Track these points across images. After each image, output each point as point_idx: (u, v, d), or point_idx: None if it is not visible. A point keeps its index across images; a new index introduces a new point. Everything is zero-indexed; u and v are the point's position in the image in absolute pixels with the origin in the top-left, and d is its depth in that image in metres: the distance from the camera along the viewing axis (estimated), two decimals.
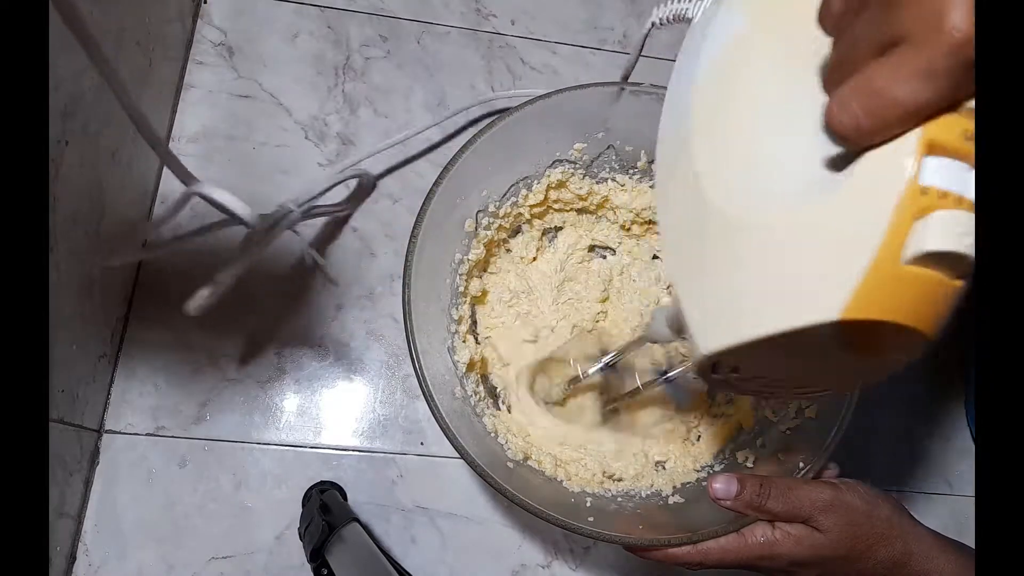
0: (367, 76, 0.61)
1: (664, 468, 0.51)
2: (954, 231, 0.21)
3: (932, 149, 0.21)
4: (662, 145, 0.32)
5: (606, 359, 0.47)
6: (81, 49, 0.27)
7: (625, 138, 0.51)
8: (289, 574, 0.51)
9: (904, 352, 0.25)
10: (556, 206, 0.54)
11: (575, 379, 0.49)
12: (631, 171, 0.53)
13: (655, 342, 0.39)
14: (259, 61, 0.59)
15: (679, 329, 0.36)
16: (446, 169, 0.45)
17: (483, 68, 0.62)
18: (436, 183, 0.44)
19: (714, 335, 0.26)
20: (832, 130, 0.23)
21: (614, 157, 0.52)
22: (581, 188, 0.53)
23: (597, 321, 0.56)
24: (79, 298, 0.44)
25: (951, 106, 0.21)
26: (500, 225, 0.52)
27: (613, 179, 0.53)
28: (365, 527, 0.48)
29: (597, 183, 0.53)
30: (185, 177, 0.31)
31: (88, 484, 0.50)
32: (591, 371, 0.47)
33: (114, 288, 0.50)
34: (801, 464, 0.42)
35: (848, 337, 0.23)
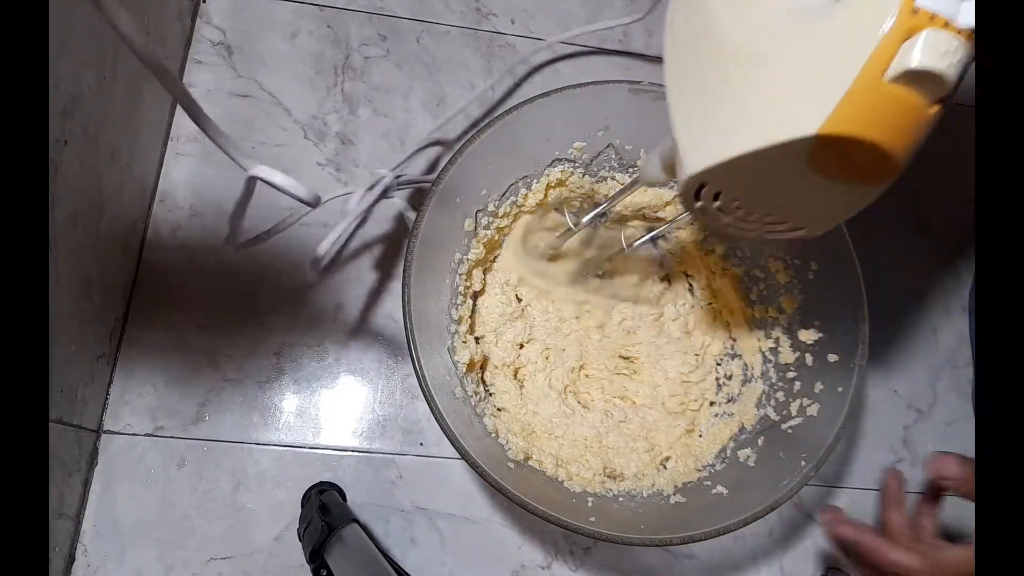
0: (367, 75, 0.60)
1: (666, 467, 0.51)
2: (938, 51, 0.21)
3: None
4: None
5: (599, 208, 0.47)
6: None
7: (625, 137, 0.51)
8: (288, 575, 0.50)
9: (874, 178, 0.26)
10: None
11: (568, 231, 0.49)
12: (631, 170, 0.53)
13: (648, 184, 0.39)
14: (258, 60, 0.59)
15: (671, 169, 0.36)
16: (446, 168, 0.45)
17: (483, 67, 0.62)
18: (436, 182, 0.44)
19: (701, 155, 0.28)
20: None
21: (614, 156, 0.52)
22: (581, 187, 0.53)
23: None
24: (78, 298, 0.44)
25: None
26: (499, 225, 0.52)
27: (613, 178, 0.53)
28: (364, 528, 0.48)
29: (597, 182, 0.53)
30: (244, 162, 0.31)
31: (87, 484, 0.50)
32: (584, 220, 0.47)
33: (113, 288, 0.50)
34: (802, 463, 0.42)
35: (822, 157, 0.24)
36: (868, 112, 0.22)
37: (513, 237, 0.53)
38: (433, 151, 0.56)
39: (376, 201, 0.47)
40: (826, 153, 0.24)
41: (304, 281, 0.55)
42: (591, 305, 0.55)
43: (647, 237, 0.50)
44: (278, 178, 0.31)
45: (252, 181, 0.32)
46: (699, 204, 0.31)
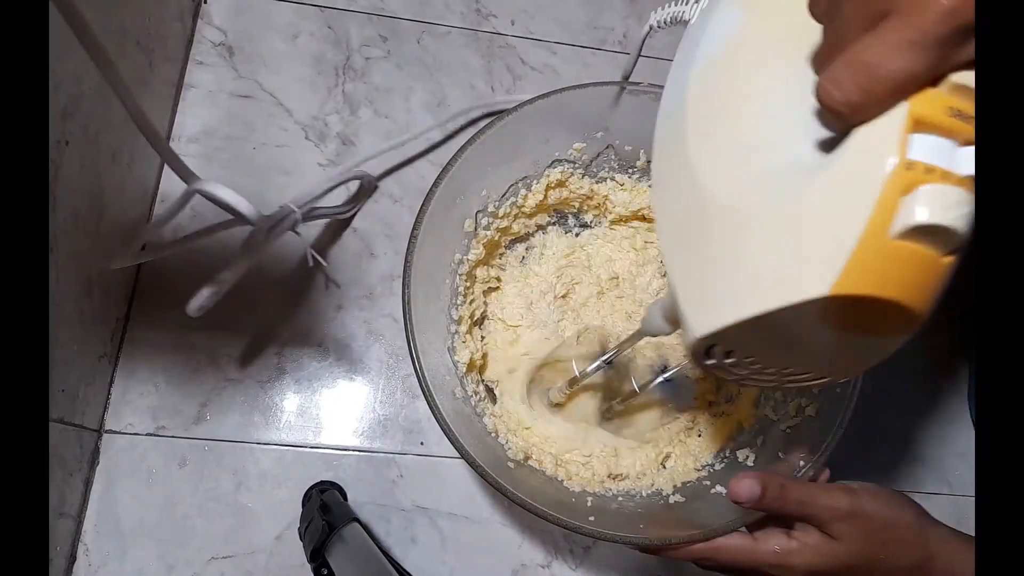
0: (367, 76, 0.61)
1: (665, 467, 0.51)
2: (941, 204, 0.21)
3: (918, 126, 0.21)
4: (659, 136, 0.32)
5: (604, 357, 0.47)
6: (81, 49, 0.27)
7: (624, 138, 0.51)
8: (289, 574, 0.51)
9: (895, 331, 0.25)
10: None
11: (574, 379, 0.49)
12: (630, 170, 0.53)
13: (652, 335, 0.39)
14: (259, 61, 0.59)
15: (675, 321, 0.36)
16: (446, 169, 0.45)
17: (483, 68, 0.62)
18: (436, 183, 0.44)
19: (706, 317, 0.27)
20: (823, 105, 0.23)
21: (613, 156, 0.52)
22: (580, 188, 0.53)
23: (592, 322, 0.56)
24: (79, 298, 0.44)
25: (936, 79, 0.21)
26: (499, 226, 0.52)
27: (612, 178, 0.53)
28: (365, 527, 0.48)
29: (596, 183, 0.53)
30: (186, 175, 0.31)
31: (88, 484, 0.50)
32: (589, 369, 0.47)
33: (114, 288, 0.51)
34: (801, 463, 0.42)
35: (838, 315, 0.24)
36: (878, 269, 0.22)
37: (516, 382, 0.53)
38: (354, 184, 0.55)
39: (277, 237, 0.45)
40: (841, 311, 0.23)
41: (305, 282, 0.55)
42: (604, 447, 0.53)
43: (659, 379, 0.50)
44: (222, 193, 0.31)
45: (190, 194, 0.31)
46: (710, 362, 0.30)
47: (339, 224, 0.57)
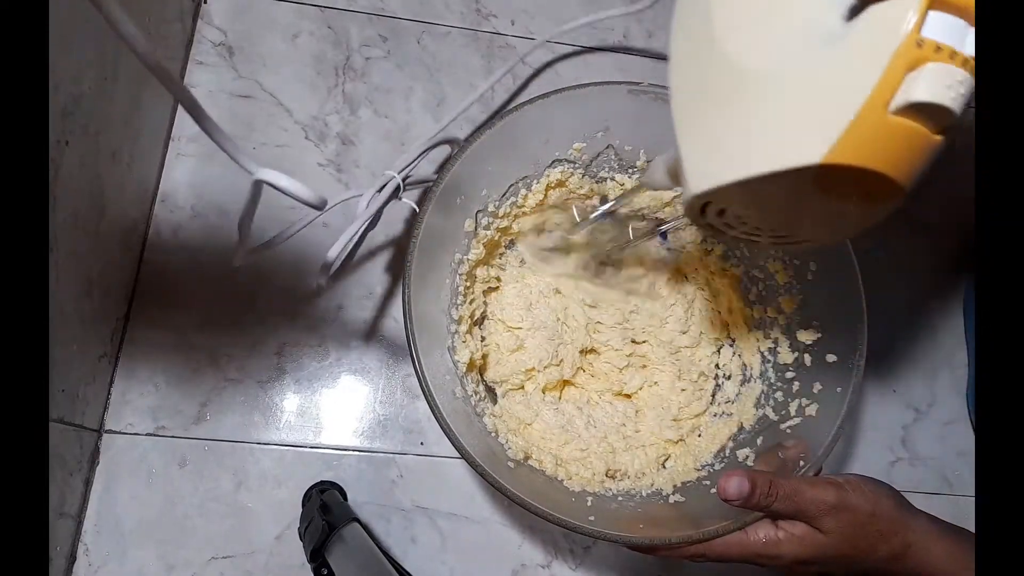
0: (367, 76, 0.61)
1: (665, 467, 0.51)
2: (943, 83, 0.21)
3: (936, 3, 0.22)
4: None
5: (606, 206, 0.47)
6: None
7: (624, 137, 0.51)
8: (289, 574, 0.51)
9: (879, 203, 0.26)
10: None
11: (575, 225, 0.49)
12: (630, 170, 0.53)
13: (652, 188, 0.39)
14: (259, 61, 0.59)
15: (675, 176, 0.36)
16: (446, 169, 0.45)
17: (483, 68, 0.62)
18: (436, 183, 0.44)
19: (705, 175, 0.28)
20: None
21: (613, 156, 0.52)
22: (580, 188, 0.53)
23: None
24: (79, 298, 0.44)
25: None
26: (499, 226, 0.52)
27: (612, 178, 0.53)
28: (365, 527, 0.48)
29: (596, 182, 0.53)
30: (249, 166, 0.31)
31: (88, 484, 0.50)
32: (592, 216, 0.47)
33: (114, 288, 0.51)
34: (801, 463, 0.42)
35: (828, 183, 0.24)
36: (872, 142, 0.22)
37: (524, 230, 0.54)
38: (440, 151, 0.56)
39: (386, 203, 0.47)
40: (831, 179, 0.24)
41: (306, 282, 0.55)
42: (599, 298, 0.55)
43: (653, 229, 0.50)
44: (284, 181, 0.31)
45: (259, 185, 0.32)
46: (705, 219, 0.31)
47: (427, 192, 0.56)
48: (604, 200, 0.50)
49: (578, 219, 0.48)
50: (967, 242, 0.65)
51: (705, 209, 0.30)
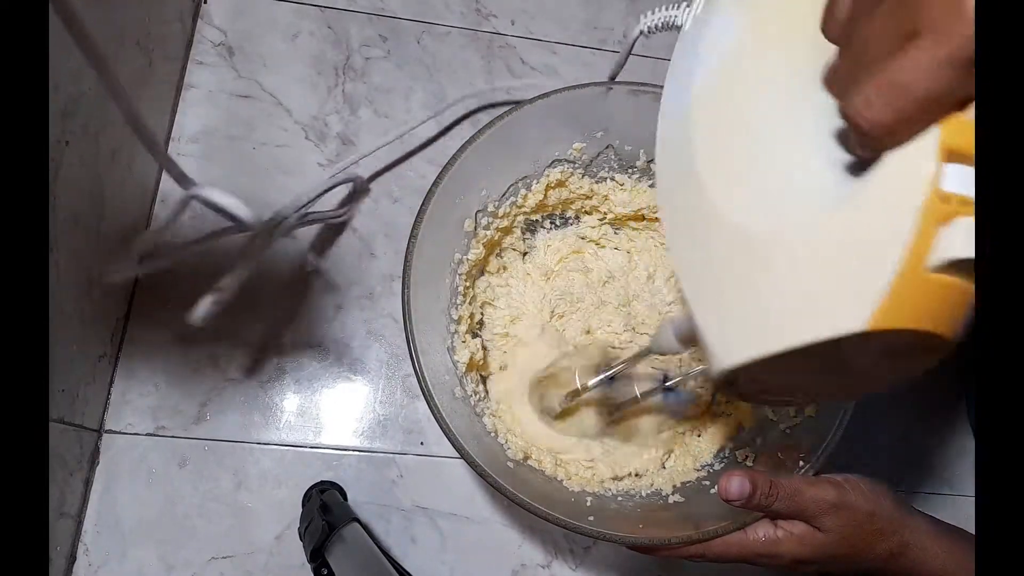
0: (367, 76, 0.61)
1: (665, 467, 0.51)
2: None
3: (951, 156, 0.21)
4: (663, 161, 0.31)
5: (608, 372, 0.46)
6: (80, 49, 0.27)
7: (624, 137, 0.51)
8: (289, 574, 0.51)
9: (927, 356, 0.25)
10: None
11: (575, 392, 0.48)
12: (630, 170, 0.53)
13: (661, 354, 0.38)
14: (259, 61, 0.59)
15: (688, 341, 0.35)
16: (445, 169, 0.45)
17: (483, 68, 0.62)
18: (435, 183, 0.44)
19: (734, 349, 0.26)
20: (855, 129, 0.22)
21: (613, 156, 0.52)
22: (580, 187, 0.53)
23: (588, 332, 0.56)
24: (79, 298, 0.44)
25: (964, 102, 0.21)
26: (499, 226, 0.52)
27: (612, 178, 0.53)
28: (365, 527, 0.48)
29: (596, 182, 0.53)
30: (182, 180, 0.31)
31: (88, 484, 0.50)
32: (591, 383, 0.47)
33: (114, 288, 0.51)
34: (801, 463, 0.42)
35: (872, 346, 0.23)
36: (915, 303, 0.22)
37: (516, 390, 0.52)
38: (345, 188, 0.55)
39: (273, 242, 0.45)
40: (875, 343, 0.23)
41: (305, 282, 0.55)
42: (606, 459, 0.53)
43: (660, 387, 0.49)
44: (219, 197, 0.30)
45: (187, 199, 0.31)
46: (735, 389, 0.30)
47: (338, 226, 0.57)
48: (607, 363, 0.49)
49: (579, 385, 0.47)
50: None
51: (734, 381, 0.28)
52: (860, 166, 0.23)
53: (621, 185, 0.54)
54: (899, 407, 0.60)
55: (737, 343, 0.26)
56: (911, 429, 0.60)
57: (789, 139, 0.26)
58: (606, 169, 0.53)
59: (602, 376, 0.46)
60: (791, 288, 0.24)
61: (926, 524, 0.41)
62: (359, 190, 0.56)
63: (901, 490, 0.59)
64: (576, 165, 0.52)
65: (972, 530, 0.41)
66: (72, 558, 0.49)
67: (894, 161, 0.22)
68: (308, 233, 0.56)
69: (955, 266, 0.21)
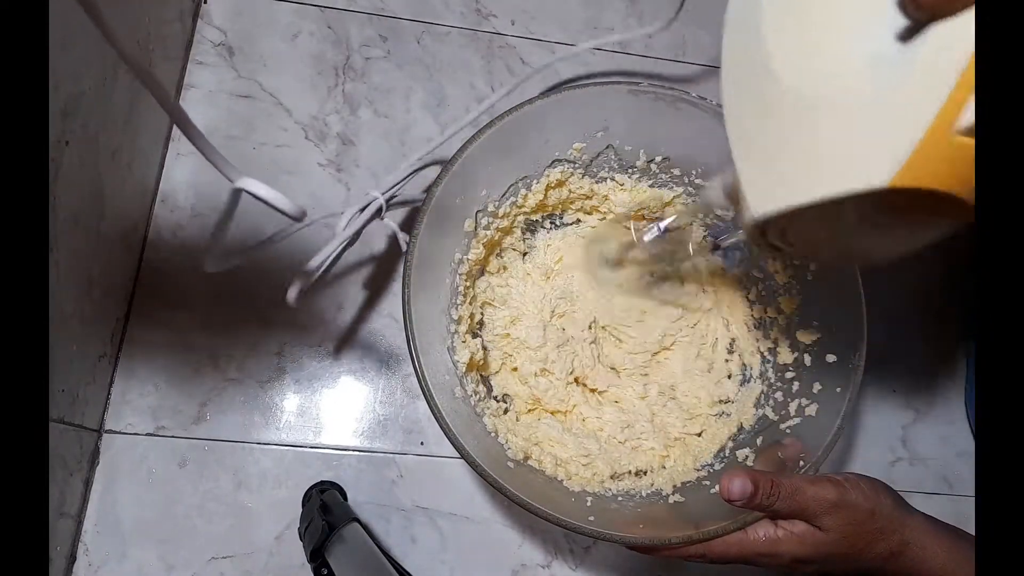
0: (367, 76, 0.61)
1: (665, 467, 0.51)
2: None
3: None
4: (732, 17, 0.32)
5: (663, 223, 0.46)
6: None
7: (624, 137, 0.51)
8: (289, 574, 0.51)
9: (946, 221, 0.26)
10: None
11: (630, 244, 0.48)
12: (630, 170, 0.53)
13: (709, 210, 0.39)
14: (259, 61, 0.59)
15: (734, 197, 0.36)
16: (445, 169, 0.45)
17: (483, 68, 0.62)
18: (435, 183, 0.44)
19: (767, 199, 0.28)
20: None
21: (613, 156, 0.52)
22: (580, 187, 0.53)
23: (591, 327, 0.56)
24: (79, 298, 0.44)
25: None
26: (499, 226, 0.52)
27: (612, 178, 0.53)
28: (365, 527, 0.48)
29: (596, 182, 0.53)
30: (229, 172, 0.31)
31: (88, 484, 0.50)
32: (647, 236, 0.47)
33: (114, 288, 0.51)
34: (801, 462, 0.42)
35: (894, 205, 0.24)
36: (938, 164, 0.22)
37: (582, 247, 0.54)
38: (430, 170, 0.55)
39: (366, 224, 0.46)
40: (898, 201, 0.24)
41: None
42: (649, 313, 0.54)
43: (713, 246, 0.49)
44: (263, 191, 0.30)
45: (237, 193, 0.31)
46: (766, 240, 0.31)
47: (417, 210, 0.56)
48: (660, 218, 0.49)
49: (635, 238, 0.48)
50: (969, 240, 0.65)
51: (766, 230, 0.30)
52: (913, 32, 0.24)
53: (621, 185, 0.54)
54: (899, 407, 0.61)
55: (770, 194, 0.28)
56: (911, 429, 0.60)
57: (854, 5, 0.27)
58: (606, 169, 0.53)
59: (656, 227, 0.46)
60: (827, 144, 0.25)
61: (926, 523, 0.41)
62: (454, 154, 0.56)
63: (902, 490, 0.59)
64: (576, 165, 0.52)
65: (972, 530, 0.41)
66: (72, 558, 0.49)
67: (942, 29, 0.23)
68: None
69: None
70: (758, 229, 0.30)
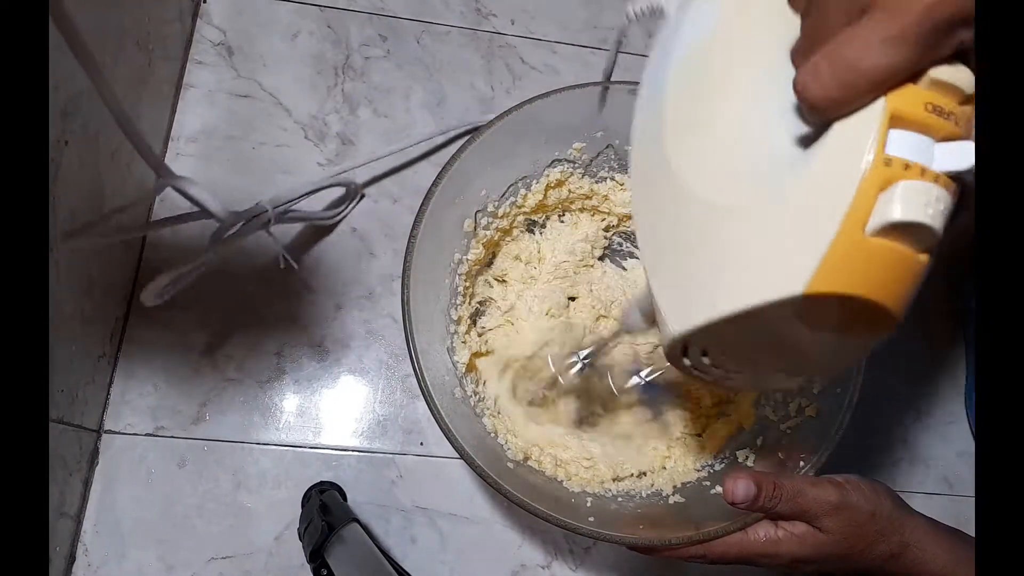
0: (367, 76, 0.61)
1: (665, 468, 0.51)
2: (918, 201, 0.21)
3: (896, 122, 0.21)
4: (637, 131, 0.32)
5: (582, 354, 0.46)
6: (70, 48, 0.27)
7: (624, 137, 0.51)
8: (289, 574, 0.51)
9: (870, 331, 0.25)
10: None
11: (553, 380, 0.48)
12: (630, 170, 0.53)
13: (630, 332, 0.39)
14: (259, 61, 0.59)
15: (652, 317, 0.35)
16: (445, 169, 0.45)
17: (483, 68, 0.62)
18: (435, 183, 0.44)
19: (683, 315, 0.27)
20: (802, 100, 0.23)
21: (613, 156, 0.52)
22: (580, 187, 0.53)
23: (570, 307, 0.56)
24: (79, 298, 0.44)
25: (916, 75, 0.21)
26: (499, 226, 0.52)
27: (612, 178, 0.53)
28: (365, 527, 0.48)
29: (596, 182, 0.53)
30: (158, 167, 0.31)
31: (88, 484, 0.50)
32: (570, 372, 0.47)
33: (114, 288, 0.50)
34: (802, 463, 0.42)
35: (814, 314, 0.23)
36: (852, 267, 0.22)
37: (503, 381, 0.52)
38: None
39: (246, 235, 0.45)
40: (816, 309, 0.23)
41: (305, 282, 0.55)
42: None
43: (637, 382, 0.49)
44: (192, 189, 0.30)
45: (161, 186, 0.32)
46: (687, 362, 0.30)
47: (325, 228, 0.56)
48: (579, 350, 0.49)
49: (554, 371, 0.47)
50: (968, 240, 0.65)
51: (687, 351, 0.29)
52: (814, 136, 0.24)
53: (621, 185, 0.54)
54: (899, 407, 0.60)
55: (685, 310, 0.27)
56: (911, 429, 0.60)
57: (755, 112, 0.27)
58: (606, 169, 0.53)
59: (577, 361, 0.46)
60: (738, 255, 0.25)
61: (926, 525, 0.41)
62: (351, 194, 0.55)
63: (902, 490, 0.59)
64: (576, 165, 0.52)
65: (972, 530, 0.41)
66: (72, 558, 0.49)
67: (841, 129, 0.22)
68: (290, 231, 0.55)
69: (895, 230, 0.21)
70: (678, 349, 0.29)
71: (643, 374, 0.50)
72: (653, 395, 0.53)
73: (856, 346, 0.27)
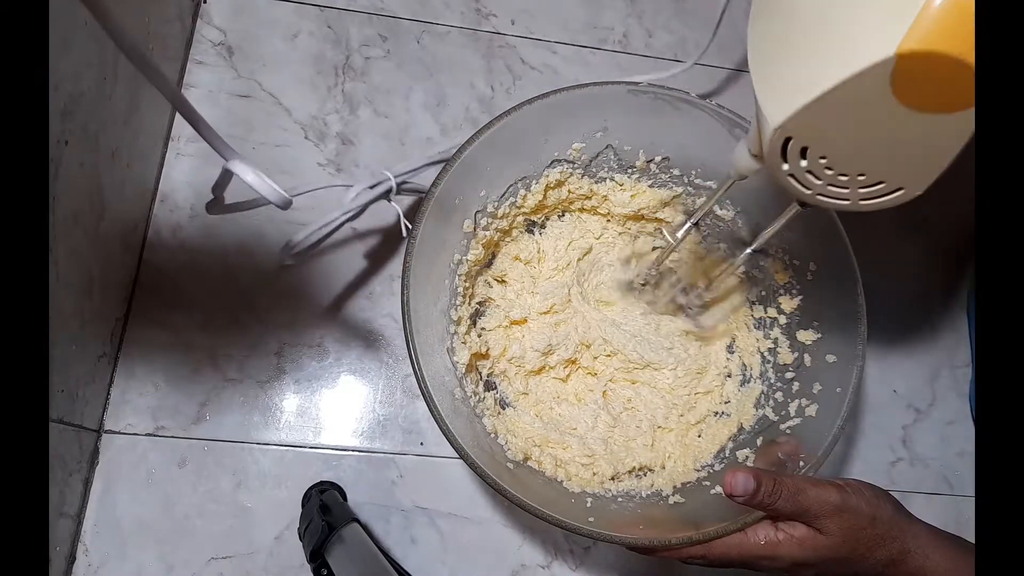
0: (367, 76, 0.61)
1: (665, 468, 0.51)
2: None
3: None
4: None
5: (695, 216, 0.45)
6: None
7: (624, 137, 0.51)
8: (289, 574, 0.51)
9: (961, 99, 0.25)
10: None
11: (665, 249, 0.49)
12: (630, 170, 0.53)
13: (741, 176, 0.38)
14: (259, 61, 0.59)
15: (760, 152, 0.36)
16: (445, 169, 0.45)
17: (483, 68, 0.62)
18: (435, 183, 0.44)
19: (781, 105, 0.28)
20: None
21: (613, 156, 0.52)
22: (580, 188, 0.53)
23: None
24: (79, 298, 0.44)
25: None
26: (498, 226, 0.52)
27: (612, 178, 0.53)
28: (365, 527, 0.48)
29: (596, 182, 0.53)
30: (224, 151, 0.32)
31: (88, 484, 0.50)
32: (679, 233, 0.46)
33: (114, 288, 0.50)
34: (801, 463, 0.42)
35: (907, 83, 0.24)
36: (944, 25, 0.23)
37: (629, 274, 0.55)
38: (430, 171, 0.55)
39: (373, 200, 0.47)
40: (910, 78, 0.24)
41: (305, 282, 0.55)
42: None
43: (690, 223, 0.48)
44: (251, 177, 0.31)
45: (228, 174, 0.32)
46: (787, 167, 0.31)
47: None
48: (689, 213, 0.48)
49: (668, 238, 0.47)
50: (968, 240, 0.65)
51: (787, 151, 0.30)
52: None
53: (621, 185, 0.54)
54: (899, 407, 0.61)
55: (784, 98, 0.28)
56: (911, 428, 0.60)
57: None
58: (605, 169, 0.53)
59: (688, 221, 0.46)
60: (834, 33, 0.26)
61: (928, 532, 0.41)
62: (454, 154, 0.56)
63: (903, 490, 0.59)
64: (575, 165, 0.52)
65: (972, 530, 0.41)
66: (72, 558, 0.49)
67: None
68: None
69: None
70: (778, 148, 0.30)
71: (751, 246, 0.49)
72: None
73: (951, 133, 0.27)
